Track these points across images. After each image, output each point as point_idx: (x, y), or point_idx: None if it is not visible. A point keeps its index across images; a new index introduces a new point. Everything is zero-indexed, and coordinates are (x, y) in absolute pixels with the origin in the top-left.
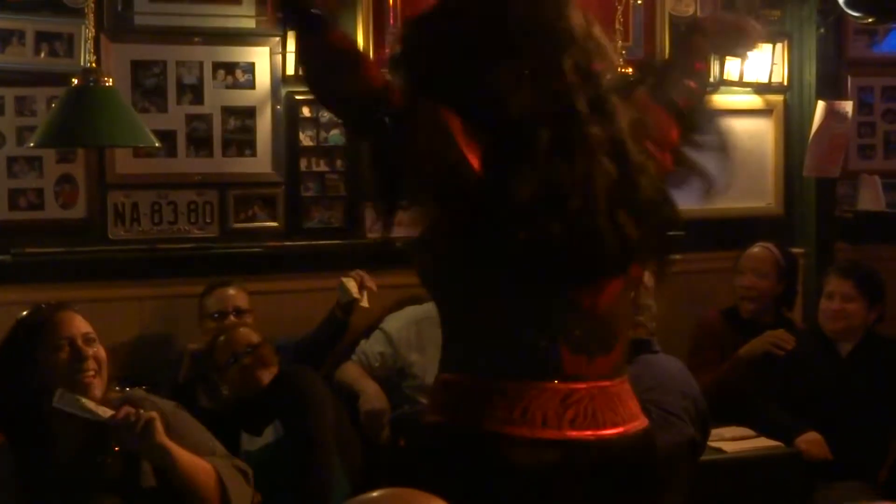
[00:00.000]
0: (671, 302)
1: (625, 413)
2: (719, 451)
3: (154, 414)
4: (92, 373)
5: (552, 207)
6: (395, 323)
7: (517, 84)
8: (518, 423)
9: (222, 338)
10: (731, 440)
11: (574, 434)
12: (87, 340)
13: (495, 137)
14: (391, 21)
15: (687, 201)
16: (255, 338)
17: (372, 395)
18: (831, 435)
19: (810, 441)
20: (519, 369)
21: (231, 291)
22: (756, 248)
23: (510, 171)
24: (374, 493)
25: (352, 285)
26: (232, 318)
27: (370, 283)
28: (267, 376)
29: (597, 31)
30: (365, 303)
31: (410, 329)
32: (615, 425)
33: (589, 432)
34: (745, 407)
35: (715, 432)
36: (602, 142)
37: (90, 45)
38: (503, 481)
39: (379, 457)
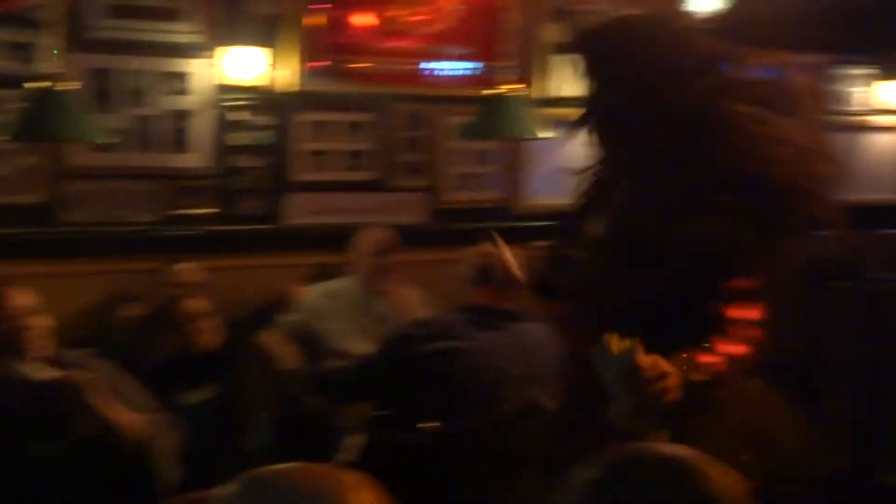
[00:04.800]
0: None
1: None
2: None
3: (87, 375)
4: (33, 340)
5: None
6: (309, 295)
7: None
8: None
9: (173, 305)
10: None
11: None
12: (29, 311)
13: None
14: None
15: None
16: (204, 307)
17: (287, 355)
18: None
19: None
20: None
21: (187, 266)
22: None
23: None
24: (285, 466)
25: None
26: (186, 289)
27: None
28: (212, 341)
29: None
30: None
31: (321, 301)
32: None
33: None
34: None
35: None
36: None
37: (51, 54)
38: None
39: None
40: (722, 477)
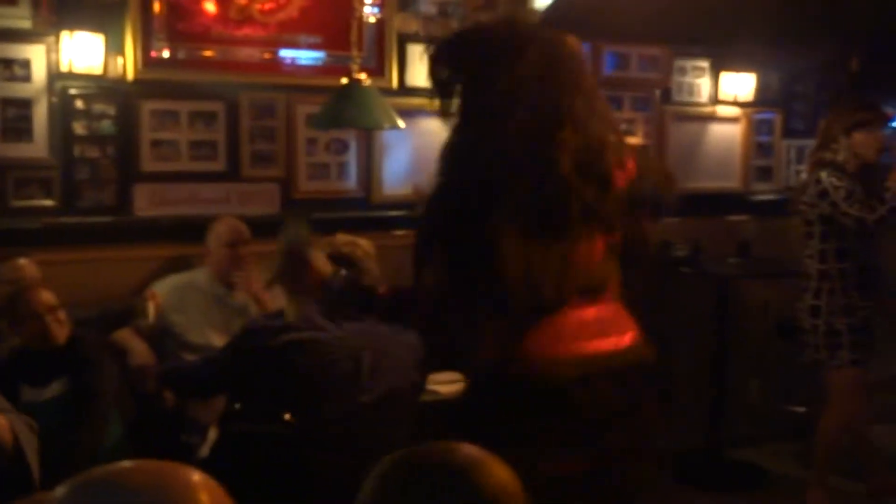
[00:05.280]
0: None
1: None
2: (436, 393)
3: None
4: None
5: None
6: (159, 289)
7: None
8: None
9: (23, 295)
10: (446, 383)
11: None
12: None
13: None
14: (157, 27)
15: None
16: (53, 300)
17: (139, 352)
18: None
19: None
20: None
21: (24, 262)
22: None
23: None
24: (120, 465)
25: (150, 309)
26: (24, 284)
27: (158, 298)
28: (62, 335)
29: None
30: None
31: (174, 294)
32: None
33: None
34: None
35: (431, 378)
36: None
37: None
38: None
39: (145, 407)
40: (497, 475)
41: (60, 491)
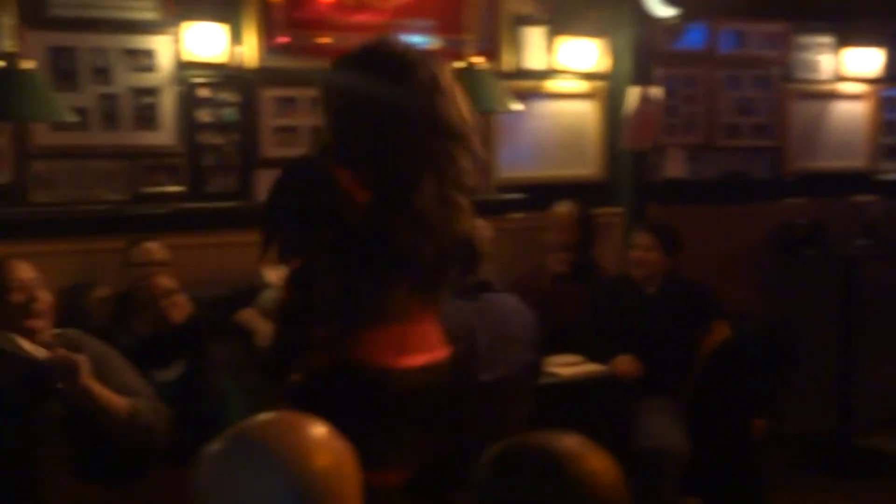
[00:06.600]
0: (512, 251)
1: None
2: (556, 375)
3: (83, 357)
4: (41, 314)
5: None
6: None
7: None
8: None
9: (143, 283)
10: (566, 366)
11: None
12: (35, 285)
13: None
14: (276, 16)
15: (525, 168)
16: (172, 284)
17: (264, 333)
18: (643, 359)
19: (623, 361)
20: None
21: (153, 245)
22: (561, 208)
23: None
24: (262, 417)
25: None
26: (153, 268)
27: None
28: (178, 317)
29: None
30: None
31: None
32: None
33: None
34: (572, 339)
35: (550, 360)
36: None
37: (11, 32)
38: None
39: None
40: (598, 464)
41: (216, 444)
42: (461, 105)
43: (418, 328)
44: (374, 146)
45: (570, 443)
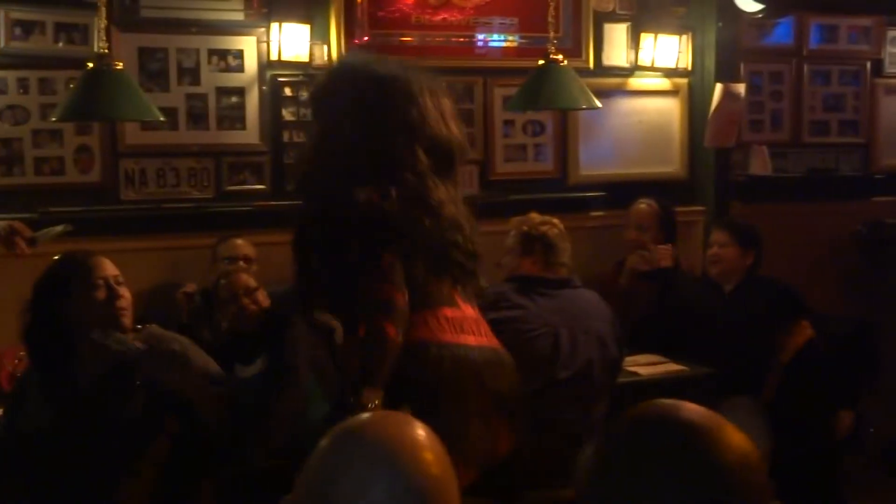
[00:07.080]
0: (591, 248)
1: None
2: (635, 374)
3: (177, 349)
4: (124, 310)
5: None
6: None
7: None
8: None
9: (223, 281)
10: (646, 365)
11: None
12: (118, 282)
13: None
14: (359, 16)
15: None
16: (252, 282)
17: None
18: (722, 358)
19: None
20: None
21: (241, 241)
22: (641, 205)
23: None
24: (366, 416)
25: None
26: (241, 263)
27: None
28: (258, 315)
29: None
30: None
31: None
32: None
33: None
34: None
35: (630, 359)
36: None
37: (102, 34)
38: None
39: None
40: (732, 441)
41: (323, 441)
42: (444, 113)
43: (470, 314)
44: (366, 155)
45: (703, 416)
